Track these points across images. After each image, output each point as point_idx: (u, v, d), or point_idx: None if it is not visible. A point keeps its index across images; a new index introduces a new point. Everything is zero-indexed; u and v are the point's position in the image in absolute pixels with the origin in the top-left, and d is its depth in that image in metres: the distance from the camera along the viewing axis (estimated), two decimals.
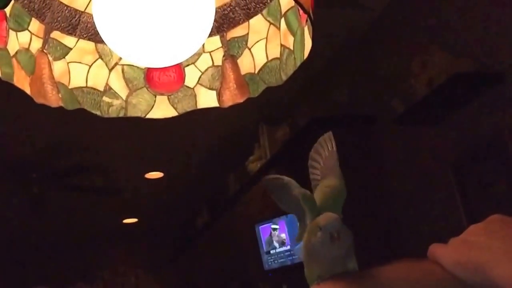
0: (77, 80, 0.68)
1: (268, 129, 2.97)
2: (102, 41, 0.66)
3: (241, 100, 0.73)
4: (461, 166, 1.89)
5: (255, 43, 0.72)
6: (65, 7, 0.65)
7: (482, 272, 0.32)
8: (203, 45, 0.73)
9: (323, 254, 0.43)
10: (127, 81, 0.72)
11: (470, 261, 0.34)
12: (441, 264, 0.36)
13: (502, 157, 1.71)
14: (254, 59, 0.72)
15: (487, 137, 1.77)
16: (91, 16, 0.65)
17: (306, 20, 0.65)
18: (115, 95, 0.71)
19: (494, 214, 0.37)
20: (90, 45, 0.70)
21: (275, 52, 0.71)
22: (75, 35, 0.67)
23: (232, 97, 0.73)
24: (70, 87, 0.68)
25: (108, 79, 0.71)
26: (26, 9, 0.61)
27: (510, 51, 1.70)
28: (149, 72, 0.73)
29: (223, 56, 0.74)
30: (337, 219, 0.43)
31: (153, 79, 0.73)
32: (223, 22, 0.73)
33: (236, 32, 0.73)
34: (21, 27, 0.62)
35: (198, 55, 0.74)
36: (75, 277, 5.32)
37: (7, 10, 0.58)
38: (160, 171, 4.06)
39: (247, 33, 0.73)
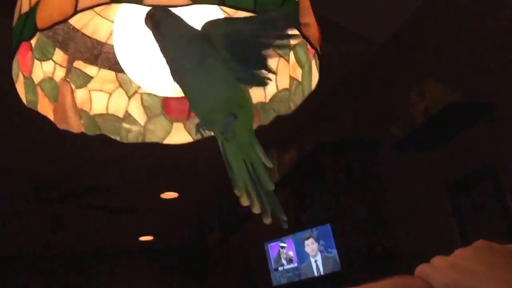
0: (98, 107, 0.67)
1: (277, 153, 2.96)
2: (122, 71, 0.64)
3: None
4: (456, 189, 1.87)
5: None
6: (88, 39, 0.64)
7: None
8: None
9: None
10: (145, 108, 0.70)
11: (458, 286, 0.34)
12: (431, 284, 0.36)
13: (493, 181, 1.70)
14: (265, 89, 0.71)
15: (480, 162, 1.76)
16: (112, 47, 0.64)
17: (314, 54, 0.63)
18: (134, 122, 0.69)
19: (481, 240, 0.37)
20: (111, 74, 0.69)
21: (284, 83, 0.69)
22: (96, 64, 0.66)
23: None
24: (91, 113, 0.66)
25: (127, 106, 0.70)
26: (51, 40, 0.61)
27: (500, 83, 1.69)
28: (166, 100, 0.71)
29: None
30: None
31: (170, 106, 0.71)
32: None
33: None
34: (45, 57, 0.60)
35: None
36: None
37: (33, 41, 0.57)
38: (175, 192, 4.04)
39: None
